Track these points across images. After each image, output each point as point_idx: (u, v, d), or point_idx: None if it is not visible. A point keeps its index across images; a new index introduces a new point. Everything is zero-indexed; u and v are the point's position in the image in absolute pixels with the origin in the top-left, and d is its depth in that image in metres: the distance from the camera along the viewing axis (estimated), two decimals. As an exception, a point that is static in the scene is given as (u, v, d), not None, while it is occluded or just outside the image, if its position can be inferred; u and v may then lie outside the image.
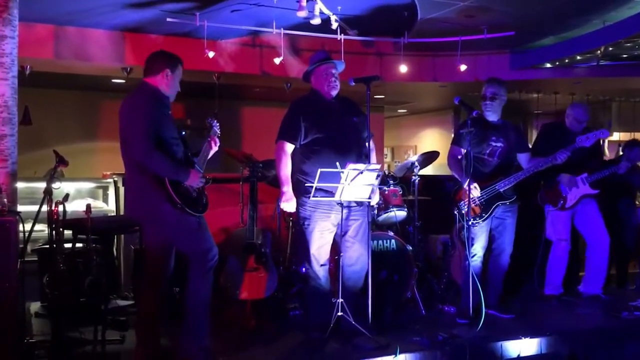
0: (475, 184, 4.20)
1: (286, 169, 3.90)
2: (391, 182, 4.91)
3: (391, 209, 4.73)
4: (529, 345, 3.87)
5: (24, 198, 4.99)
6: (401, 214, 4.82)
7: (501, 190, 4.30)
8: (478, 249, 4.34)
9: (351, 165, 3.62)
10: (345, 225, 3.91)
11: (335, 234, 3.93)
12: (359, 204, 3.90)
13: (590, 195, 4.81)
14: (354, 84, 3.87)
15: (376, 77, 3.92)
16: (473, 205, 4.21)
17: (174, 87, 3.38)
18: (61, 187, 3.43)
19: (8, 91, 3.91)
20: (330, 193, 3.74)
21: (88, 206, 3.63)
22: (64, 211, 3.64)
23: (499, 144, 4.36)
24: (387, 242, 4.55)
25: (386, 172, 5.29)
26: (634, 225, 5.82)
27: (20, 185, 5.37)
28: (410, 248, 4.64)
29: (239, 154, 4.68)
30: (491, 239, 4.42)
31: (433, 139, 12.37)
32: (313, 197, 3.70)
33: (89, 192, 6.47)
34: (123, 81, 7.81)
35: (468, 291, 4.03)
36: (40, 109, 8.25)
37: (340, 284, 3.78)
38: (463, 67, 7.02)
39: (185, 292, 3.35)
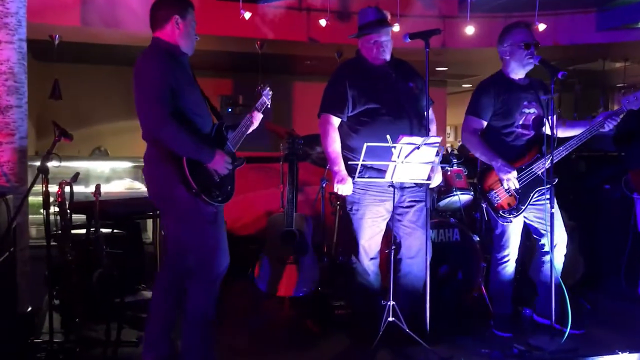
0: (515, 172, 3.36)
1: (334, 145, 3.30)
2: (455, 161, 4.22)
3: (455, 193, 4.08)
4: (628, 361, 3.15)
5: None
6: (466, 198, 4.14)
7: (539, 172, 3.39)
8: (514, 250, 3.51)
9: (405, 139, 2.96)
10: (404, 209, 3.30)
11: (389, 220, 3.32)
12: (418, 184, 3.26)
13: None
14: (409, 40, 3.21)
15: (437, 31, 3.22)
16: (508, 195, 3.42)
17: (189, 37, 2.77)
18: (61, 166, 2.91)
19: (14, 56, 3.48)
20: (382, 172, 3.12)
21: (97, 187, 3.15)
22: (72, 192, 3.18)
23: (532, 110, 3.46)
24: (449, 232, 3.89)
25: (449, 151, 4.62)
26: None
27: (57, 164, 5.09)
28: (477, 239, 3.96)
29: (280, 129, 4.27)
30: (535, 235, 3.55)
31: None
32: (359, 177, 3.12)
33: (127, 172, 6.13)
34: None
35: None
36: (82, 86, 8.03)
37: (391, 282, 3.16)
38: (542, 27, 6.18)
39: (183, 304, 2.79)
